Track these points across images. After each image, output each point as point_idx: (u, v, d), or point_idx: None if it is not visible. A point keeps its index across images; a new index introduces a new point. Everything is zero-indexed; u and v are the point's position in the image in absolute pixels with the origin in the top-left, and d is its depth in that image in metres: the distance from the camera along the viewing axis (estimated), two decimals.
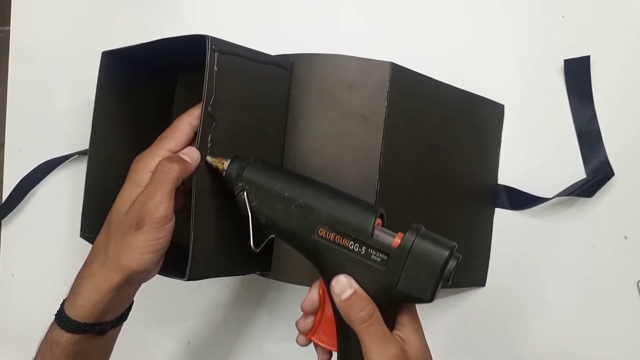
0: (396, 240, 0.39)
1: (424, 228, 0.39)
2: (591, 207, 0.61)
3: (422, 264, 0.38)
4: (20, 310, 0.69)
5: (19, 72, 0.71)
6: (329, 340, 0.43)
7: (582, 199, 0.59)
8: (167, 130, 0.45)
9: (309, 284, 0.45)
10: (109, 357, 0.48)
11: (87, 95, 0.69)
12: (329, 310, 0.42)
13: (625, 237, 0.60)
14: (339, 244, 0.40)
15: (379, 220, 0.40)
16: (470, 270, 0.60)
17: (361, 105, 0.48)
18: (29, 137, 0.70)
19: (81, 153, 0.68)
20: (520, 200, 0.61)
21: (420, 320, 0.43)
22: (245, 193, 0.42)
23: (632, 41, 0.59)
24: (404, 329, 0.40)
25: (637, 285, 0.60)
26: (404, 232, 0.39)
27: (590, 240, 0.61)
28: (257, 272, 0.51)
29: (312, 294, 0.43)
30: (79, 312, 0.43)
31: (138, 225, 0.41)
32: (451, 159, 0.57)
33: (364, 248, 0.39)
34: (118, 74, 0.56)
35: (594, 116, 0.60)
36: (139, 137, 0.60)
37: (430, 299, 0.38)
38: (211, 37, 0.43)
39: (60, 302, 0.45)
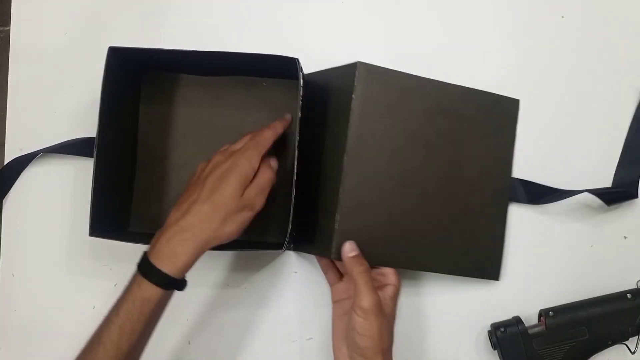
0: None
1: None
2: (592, 207, 0.61)
3: None
4: (20, 310, 0.69)
5: (19, 72, 0.71)
6: None
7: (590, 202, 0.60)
8: (262, 134, 0.58)
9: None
10: None
11: (87, 95, 0.69)
12: None
13: (625, 237, 0.60)
14: None
15: None
16: (483, 264, 0.61)
17: (339, 104, 0.57)
18: (29, 137, 0.70)
19: (46, 150, 0.68)
20: (537, 193, 0.61)
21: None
22: None
23: None
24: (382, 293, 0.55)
25: (637, 285, 0.60)
26: None
27: (590, 240, 0.61)
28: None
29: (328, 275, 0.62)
30: (178, 271, 0.51)
31: (250, 208, 0.55)
32: (456, 152, 0.59)
33: None
34: (121, 72, 0.60)
35: None
36: (118, 133, 0.63)
37: None
38: (298, 59, 0.56)
39: (141, 264, 0.51)
